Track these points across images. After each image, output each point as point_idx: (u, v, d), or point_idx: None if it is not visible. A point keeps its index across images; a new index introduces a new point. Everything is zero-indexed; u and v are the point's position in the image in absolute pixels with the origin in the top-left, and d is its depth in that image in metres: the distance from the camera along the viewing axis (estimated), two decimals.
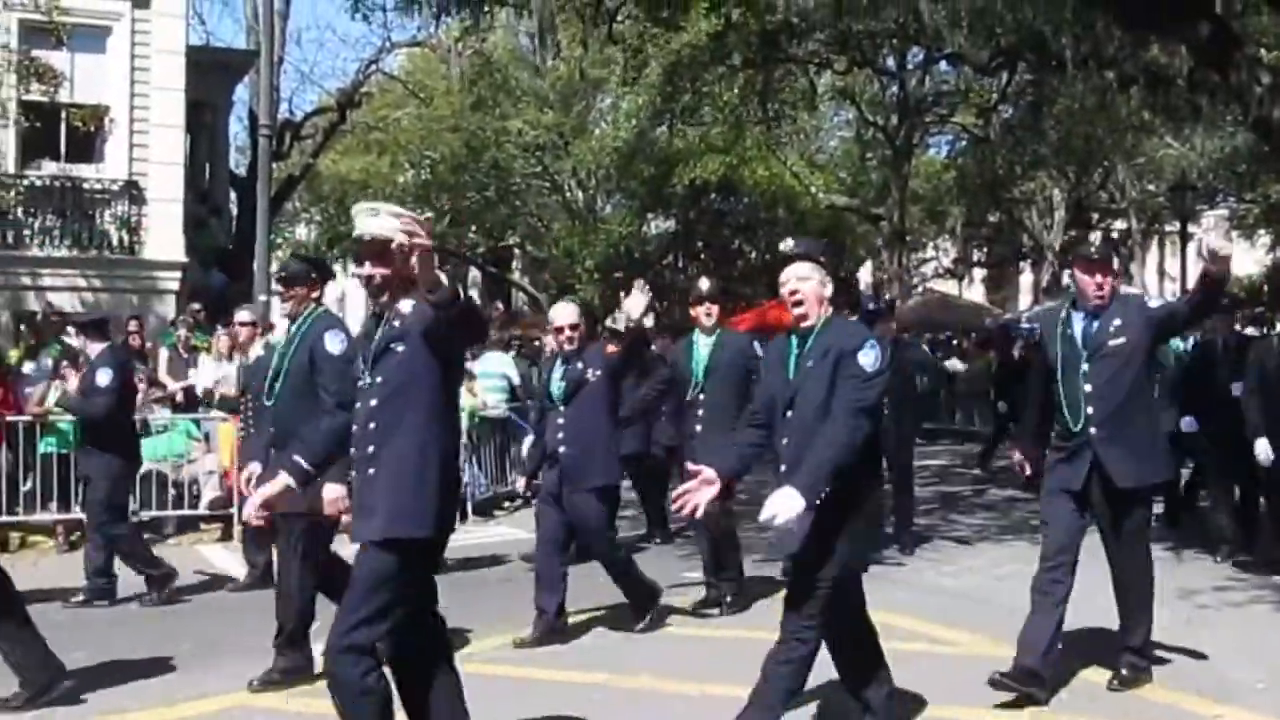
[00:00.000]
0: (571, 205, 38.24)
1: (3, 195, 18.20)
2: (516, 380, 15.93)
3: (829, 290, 5.45)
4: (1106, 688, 6.57)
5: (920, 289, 38.71)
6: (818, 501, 5.07)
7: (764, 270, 42.49)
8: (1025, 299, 45.54)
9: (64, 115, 18.61)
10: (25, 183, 18.86)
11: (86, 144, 19.52)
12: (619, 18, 18.73)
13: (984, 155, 33.13)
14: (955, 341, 29.74)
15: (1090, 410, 6.35)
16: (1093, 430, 6.34)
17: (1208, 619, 8.31)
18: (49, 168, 19.35)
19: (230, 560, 11.28)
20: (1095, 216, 43.29)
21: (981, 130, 31.69)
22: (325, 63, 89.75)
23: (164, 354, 14.46)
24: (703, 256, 42.30)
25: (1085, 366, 6.40)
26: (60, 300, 18.58)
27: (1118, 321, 6.41)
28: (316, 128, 33.34)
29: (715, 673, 6.84)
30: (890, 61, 30.68)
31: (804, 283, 5.43)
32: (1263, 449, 9.33)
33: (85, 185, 19.41)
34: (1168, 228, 42.85)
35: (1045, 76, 22.29)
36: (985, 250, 48.23)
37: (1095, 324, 6.45)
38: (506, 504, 14.77)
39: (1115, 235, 44.00)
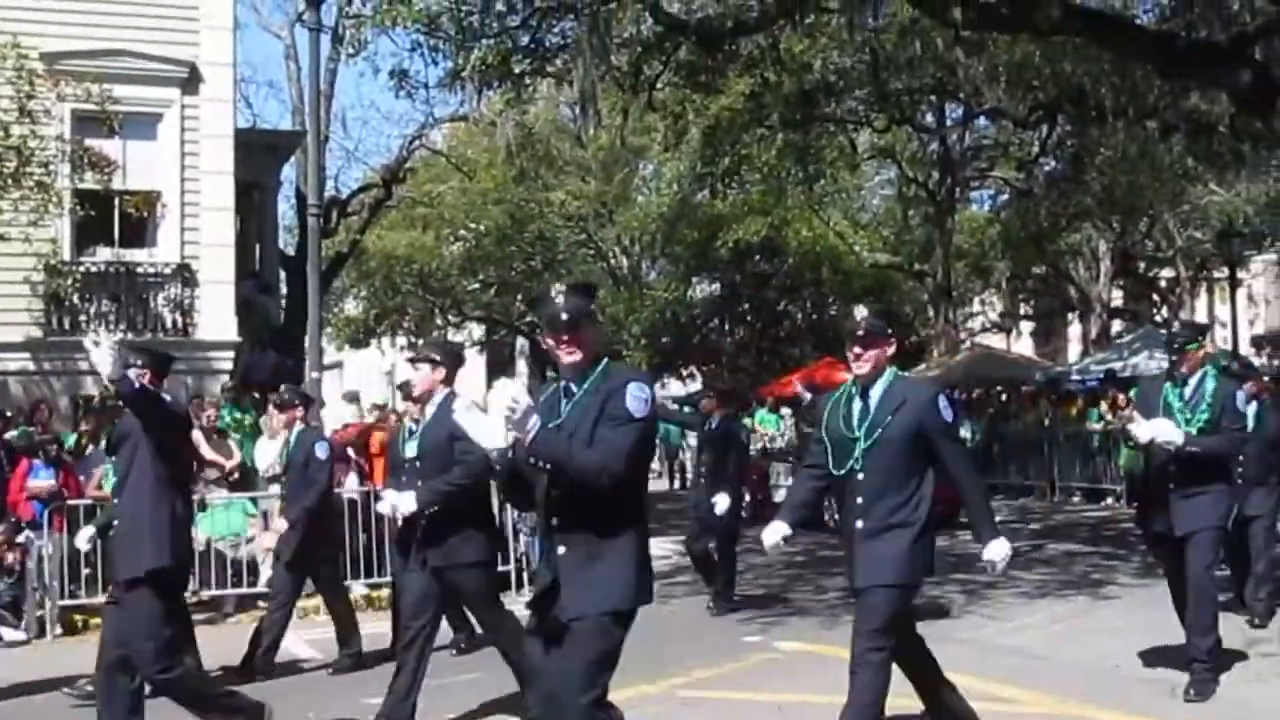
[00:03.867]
0: (616, 272, 38.50)
1: (60, 282, 18.50)
2: None
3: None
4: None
5: (968, 344, 38.54)
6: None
7: (810, 330, 42.67)
8: (1075, 351, 45.25)
9: (117, 202, 18.96)
10: (81, 269, 19.19)
11: (139, 229, 19.85)
12: (658, 85, 18.94)
13: (1027, 208, 33.04)
14: (1004, 396, 29.57)
15: None
16: None
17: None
18: (103, 254, 19.68)
19: (290, 638, 11.32)
20: (1142, 265, 43.05)
21: (1024, 183, 31.65)
22: (369, 140, 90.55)
23: (197, 435, 14.51)
24: (749, 318, 42.41)
25: None
26: None
27: None
28: (362, 204, 33.73)
29: None
30: (929, 118, 30.75)
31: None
32: None
33: (139, 270, 19.72)
34: (1216, 274, 42.52)
35: (1086, 127, 22.33)
36: (1032, 303, 48.03)
37: None
38: None
39: (1164, 283, 43.81)
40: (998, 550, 5.88)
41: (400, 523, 7.66)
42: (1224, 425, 7.81)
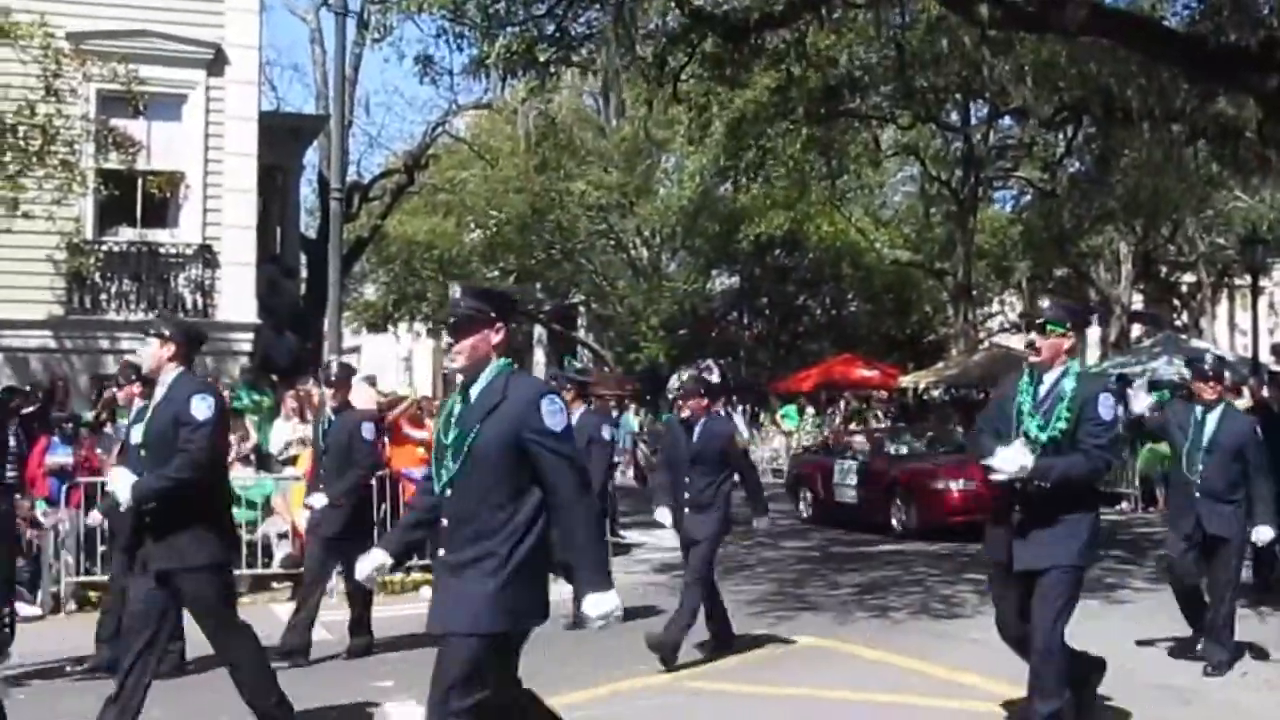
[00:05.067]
0: (636, 263, 38.52)
1: (82, 261, 18.57)
2: None
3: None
4: None
5: (986, 344, 38.47)
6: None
7: (830, 326, 42.66)
8: (1093, 353, 45.11)
9: (140, 182, 18.99)
10: (103, 248, 19.25)
11: (162, 210, 19.89)
12: (683, 77, 18.93)
13: (1050, 209, 32.97)
14: None
15: None
16: None
17: None
18: (126, 234, 19.73)
19: None
20: (1163, 270, 42.90)
21: (1047, 184, 31.56)
22: (392, 125, 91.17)
23: None
24: (767, 312, 42.41)
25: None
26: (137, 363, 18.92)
27: None
28: (384, 189, 33.81)
29: None
30: (954, 116, 30.68)
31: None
32: None
33: (161, 250, 19.76)
34: (1238, 281, 42.36)
35: (1111, 129, 22.22)
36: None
37: None
38: None
39: (1185, 289, 43.62)
40: (598, 605, 4.76)
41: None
42: (1082, 437, 6.29)
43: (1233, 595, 8.54)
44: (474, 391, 4.87)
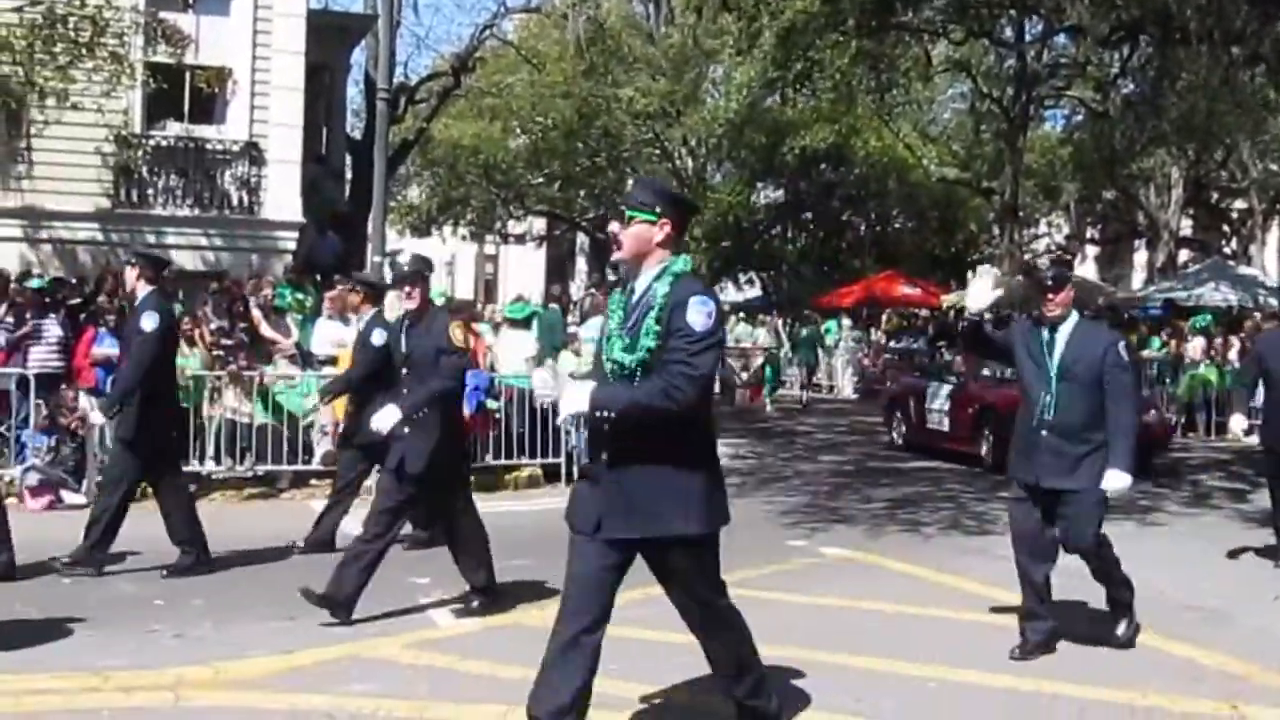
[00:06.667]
0: (681, 173, 38.31)
1: (130, 154, 18.68)
2: None
3: None
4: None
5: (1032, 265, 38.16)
6: None
7: (874, 243, 42.39)
8: (1139, 278, 44.71)
9: (188, 77, 19.03)
10: (151, 142, 19.33)
11: (209, 105, 19.96)
12: None
13: (1101, 130, 32.50)
14: None
15: None
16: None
17: None
18: (173, 128, 19.83)
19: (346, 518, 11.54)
20: (1214, 196, 42.29)
21: (1100, 104, 31.09)
22: (440, 27, 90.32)
23: (256, 313, 14.67)
24: (811, 227, 42.20)
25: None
26: (183, 258, 19.08)
27: None
28: (431, 92, 33.70)
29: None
30: (1008, 32, 30.18)
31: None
32: None
33: (207, 146, 19.87)
34: None
35: (1168, 51, 21.84)
36: (1099, 227, 47.39)
37: None
38: None
39: (1235, 215, 43.03)
40: None
41: None
42: (666, 354, 4.60)
43: (1110, 555, 7.03)
44: None
